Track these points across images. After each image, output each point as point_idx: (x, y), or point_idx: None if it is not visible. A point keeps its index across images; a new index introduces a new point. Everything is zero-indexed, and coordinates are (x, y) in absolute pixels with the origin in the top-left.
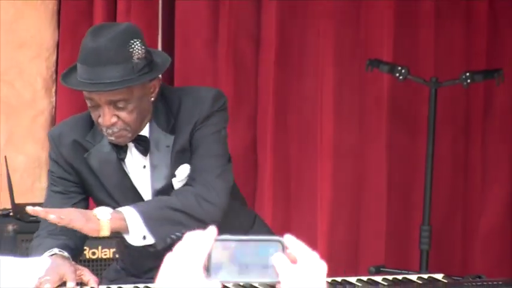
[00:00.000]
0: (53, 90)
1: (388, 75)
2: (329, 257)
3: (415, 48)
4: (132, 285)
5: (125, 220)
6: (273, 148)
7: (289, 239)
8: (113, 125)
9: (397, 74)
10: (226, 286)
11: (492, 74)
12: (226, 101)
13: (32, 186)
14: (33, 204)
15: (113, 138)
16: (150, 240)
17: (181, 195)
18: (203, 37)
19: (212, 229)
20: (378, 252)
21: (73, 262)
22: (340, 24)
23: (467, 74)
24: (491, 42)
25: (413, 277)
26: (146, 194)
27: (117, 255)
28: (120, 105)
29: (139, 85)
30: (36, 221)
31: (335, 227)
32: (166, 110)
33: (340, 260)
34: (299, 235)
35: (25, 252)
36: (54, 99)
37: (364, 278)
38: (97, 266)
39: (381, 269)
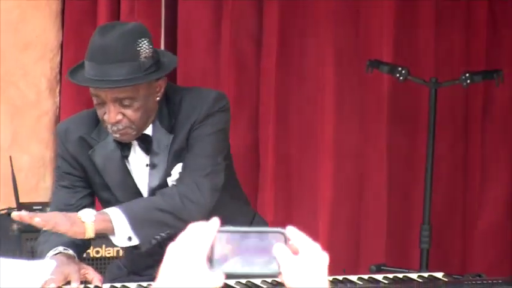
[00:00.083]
0: (57, 90)
1: (388, 75)
2: (330, 256)
3: (415, 49)
4: (135, 284)
5: (110, 221)
6: (274, 148)
7: (291, 230)
8: (118, 122)
9: (397, 75)
10: (227, 281)
11: (492, 75)
12: (227, 102)
13: (36, 186)
14: (38, 204)
15: (117, 135)
16: (135, 241)
17: (166, 195)
18: (205, 38)
19: (215, 220)
20: (378, 251)
21: (77, 260)
22: (341, 25)
23: (467, 74)
24: (490, 42)
25: (414, 276)
26: (147, 192)
27: (121, 253)
28: (126, 103)
29: (145, 84)
30: None
31: (336, 226)
32: (169, 109)
33: (340, 259)
34: None
35: (30, 251)
36: (58, 99)
37: (365, 277)
38: (101, 265)
39: (382, 267)
